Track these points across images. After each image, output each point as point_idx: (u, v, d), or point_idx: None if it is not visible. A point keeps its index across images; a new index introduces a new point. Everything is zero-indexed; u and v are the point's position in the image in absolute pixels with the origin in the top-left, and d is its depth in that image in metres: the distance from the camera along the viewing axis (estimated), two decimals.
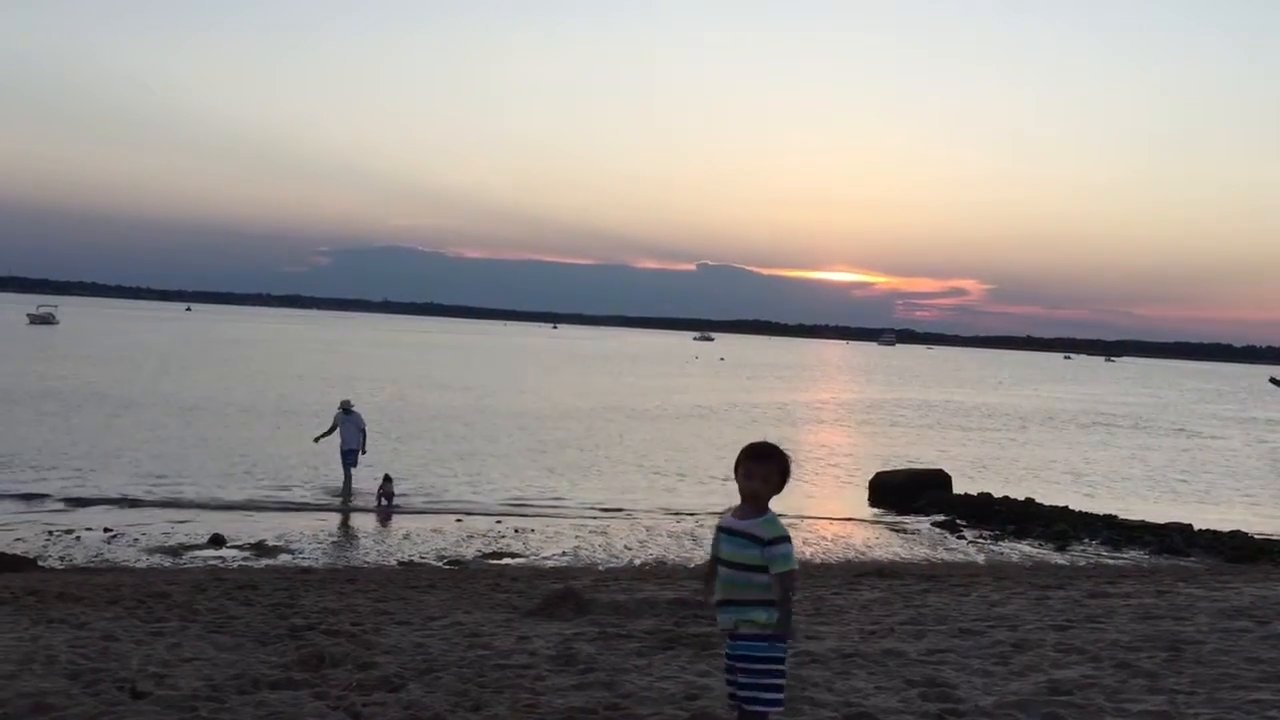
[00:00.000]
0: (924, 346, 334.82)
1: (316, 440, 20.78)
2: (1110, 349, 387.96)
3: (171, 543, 15.61)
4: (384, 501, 19.45)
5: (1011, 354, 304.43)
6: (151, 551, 15.01)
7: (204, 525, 16.95)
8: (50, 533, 15.85)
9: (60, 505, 18.12)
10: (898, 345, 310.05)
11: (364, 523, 18.27)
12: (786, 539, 4.64)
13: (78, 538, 15.64)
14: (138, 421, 30.13)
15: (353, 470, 20.35)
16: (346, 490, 20.16)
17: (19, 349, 62.67)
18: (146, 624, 8.81)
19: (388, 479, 19.99)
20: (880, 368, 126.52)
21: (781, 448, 4.78)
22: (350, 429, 20.34)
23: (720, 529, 4.80)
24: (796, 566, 4.70)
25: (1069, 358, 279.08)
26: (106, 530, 16.19)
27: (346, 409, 20.55)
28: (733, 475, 4.76)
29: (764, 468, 4.66)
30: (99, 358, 59.60)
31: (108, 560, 14.37)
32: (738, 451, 4.77)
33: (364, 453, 20.59)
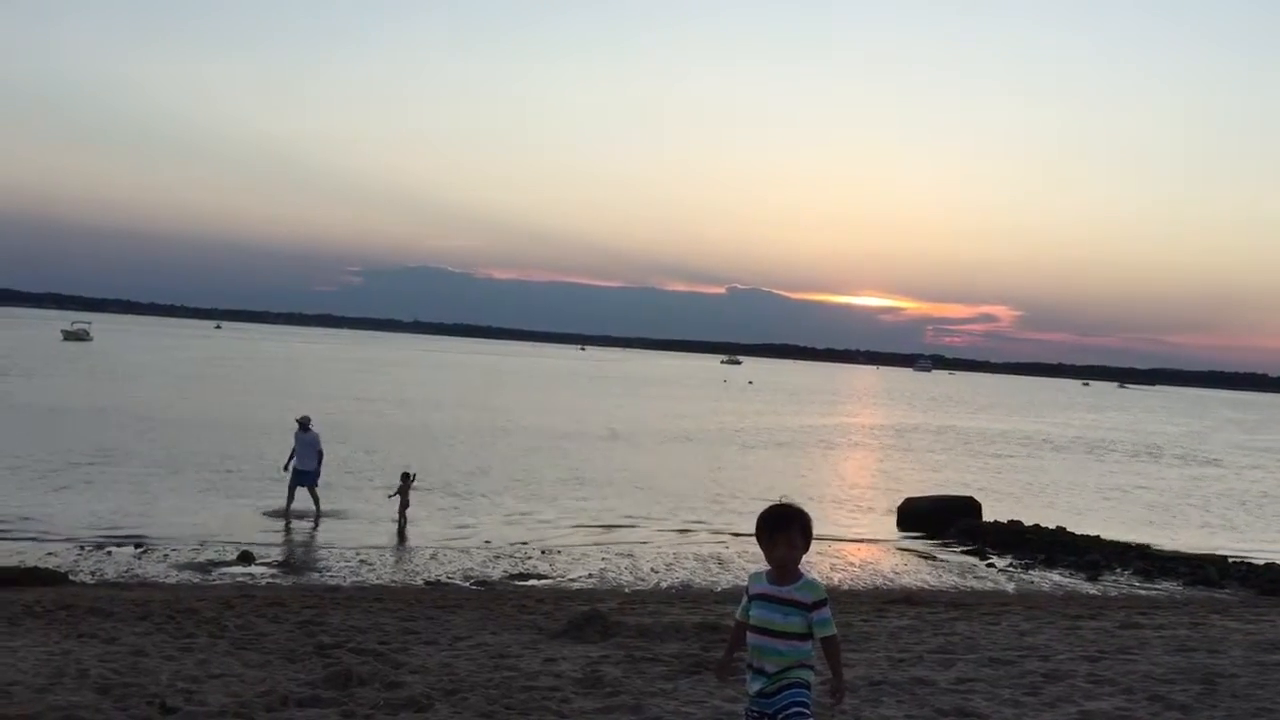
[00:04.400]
0: (947, 372, 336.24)
1: (286, 468, 19.69)
2: (1144, 377, 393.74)
3: (201, 559, 15.69)
4: (403, 510, 19.11)
5: (1035, 381, 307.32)
6: (181, 568, 15.09)
7: (233, 542, 17.02)
8: (81, 548, 15.96)
9: (91, 520, 18.21)
10: (933, 372, 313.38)
11: (388, 541, 18.26)
12: (828, 601, 4.62)
13: (108, 553, 15.75)
14: (162, 438, 30.36)
15: (315, 490, 19.57)
16: (287, 509, 19.36)
17: (49, 365, 63.39)
18: (176, 640, 8.87)
19: (406, 476, 19.57)
20: (910, 393, 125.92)
21: (797, 505, 4.70)
22: (306, 448, 19.56)
23: (754, 595, 4.69)
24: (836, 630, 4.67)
25: (1087, 384, 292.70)
26: (137, 546, 16.29)
27: (304, 426, 19.72)
28: (757, 539, 4.67)
29: (786, 533, 4.59)
30: (123, 374, 60.21)
31: (138, 576, 14.45)
32: (761, 513, 4.71)
33: (318, 475, 19.82)
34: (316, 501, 19.67)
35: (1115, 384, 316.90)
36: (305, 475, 19.56)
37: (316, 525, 19.08)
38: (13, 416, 33.27)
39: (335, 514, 20.07)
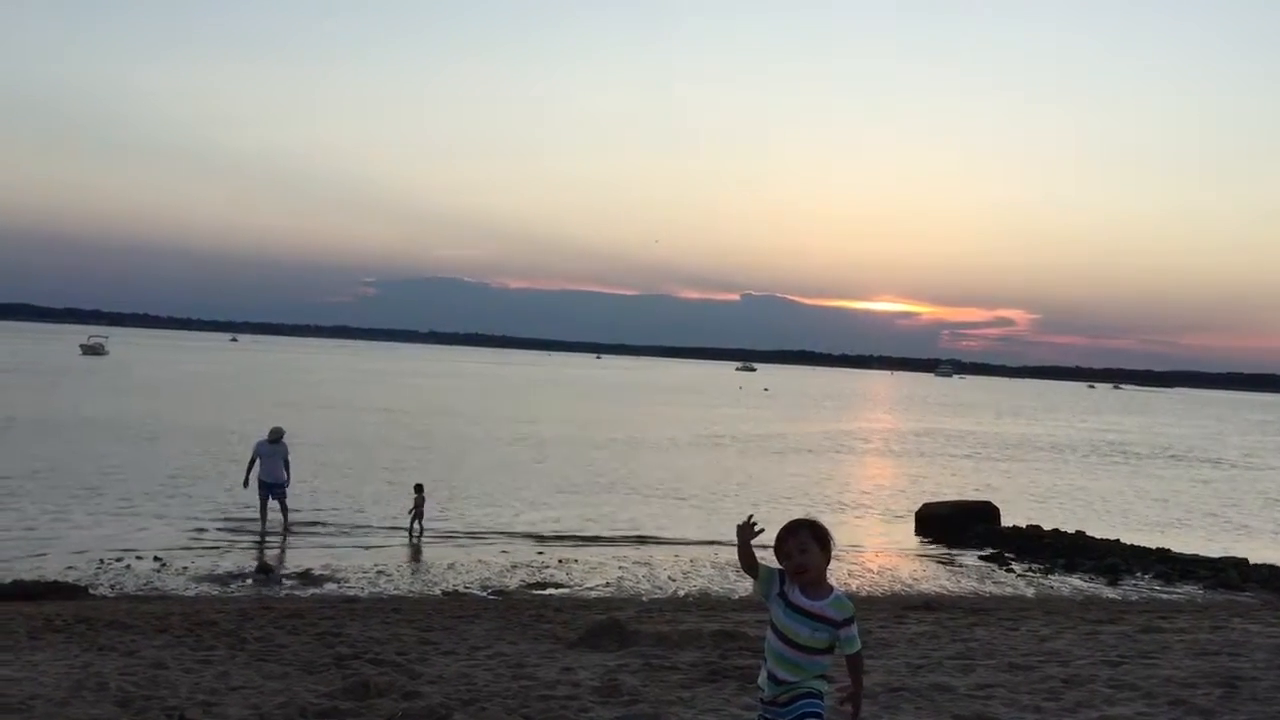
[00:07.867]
0: (959, 377, 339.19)
1: (246, 485, 19.21)
2: (1161, 379, 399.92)
3: (220, 571, 15.75)
4: (416, 526, 19.17)
5: (1047, 384, 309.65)
6: (200, 580, 15.14)
7: (251, 554, 17.09)
8: (101, 561, 16.02)
9: (109, 534, 18.28)
10: (954, 377, 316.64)
11: (405, 552, 18.31)
12: (855, 619, 4.61)
13: (128, 566, 15.82)
14: (175, 450, 30.48)
15: (285, 503, 19.20)
16: (263, 525, 18.98)
17: (67, 379, 63.81)
18: (195, 652, 8.90)
19: (419, 488, 19.67)
20: (928, 399, 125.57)
21: (807, 518, 4.74)
22: (275, 460, 19.12)
23: (785, 597, 4.60)
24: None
25: (1093, 387, 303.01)
26: (156, 559, 16.34)
27: (275, 438, 19.29)
28: (776, 558, 4.65)
29: (795, 537, 4.59)
30: (138, 387, 60.54)
31: (157, 588, 14.51)
32: (784, 516, 4.81)
33: (289, 485, 19.45)
34: (285, 512, 19.28)
35: (1111, 385, 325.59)
36: (275, 487, 19.13)
37: (285, 536, 18.82)
38: (32, 431, 33.44)
39: (352, 525, 20.12)
